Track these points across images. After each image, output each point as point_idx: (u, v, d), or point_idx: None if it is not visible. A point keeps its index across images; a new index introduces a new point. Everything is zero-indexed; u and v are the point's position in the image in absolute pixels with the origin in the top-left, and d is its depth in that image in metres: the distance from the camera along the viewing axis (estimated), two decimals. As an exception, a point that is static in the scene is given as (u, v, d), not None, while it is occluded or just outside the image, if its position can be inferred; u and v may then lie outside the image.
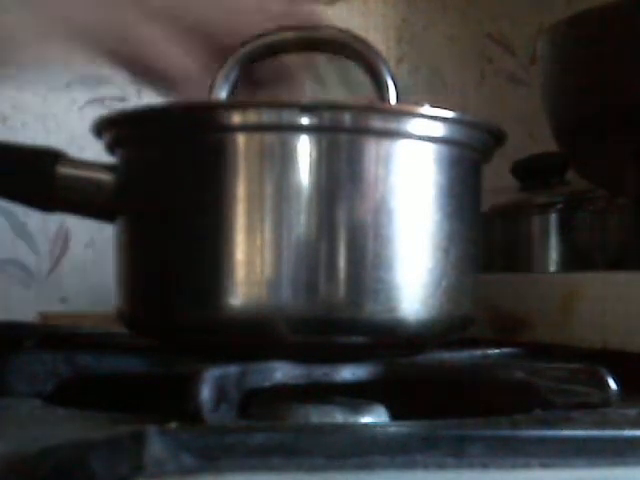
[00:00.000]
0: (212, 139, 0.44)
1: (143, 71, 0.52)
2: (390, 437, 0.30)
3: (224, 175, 0.43)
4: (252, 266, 0.42)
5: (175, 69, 0.52)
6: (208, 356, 0.42)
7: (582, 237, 0.81)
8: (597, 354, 0.51)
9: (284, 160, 0.43)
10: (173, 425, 0.30)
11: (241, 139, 0.43)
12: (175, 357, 0.45)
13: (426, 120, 0.44)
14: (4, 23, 0.50)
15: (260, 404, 0.40)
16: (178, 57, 0.51)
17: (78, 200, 0.48)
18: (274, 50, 0.51)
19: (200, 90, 0.50)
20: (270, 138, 0.43)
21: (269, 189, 0.43)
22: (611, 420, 0.38)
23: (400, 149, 0.44)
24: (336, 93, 0.56)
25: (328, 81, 0.55)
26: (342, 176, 0.43)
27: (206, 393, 0.35)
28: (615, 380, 0.41)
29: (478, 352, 0.51)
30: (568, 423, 0.37)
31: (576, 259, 0.82)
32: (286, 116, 0.43)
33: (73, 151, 0.49)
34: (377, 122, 0.43)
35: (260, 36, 0.50)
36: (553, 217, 0.84)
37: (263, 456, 0.29)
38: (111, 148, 0.49)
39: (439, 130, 0.45)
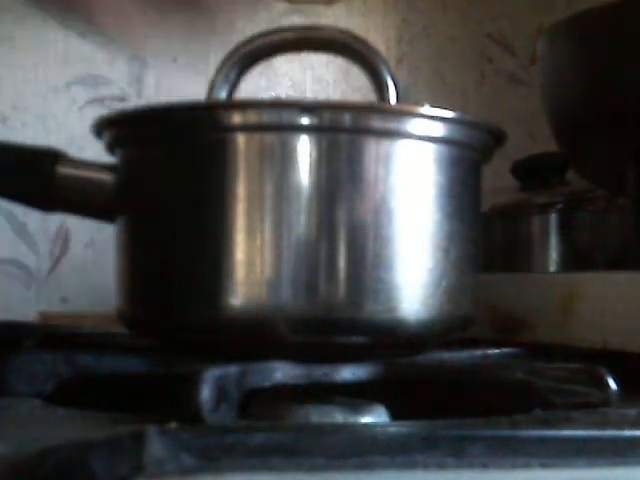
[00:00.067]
0: (212, 139, 0.44)
1: None
2: (390, 437, 0.30)
3: (224, 175, 0.43)
4: (252, 266, 0.42)
5: None
6: (208, 356, 0.42)
7: (582, 237, 0.81)
8: (597, 354, 0.51)
9: (284, 160, 0.43)
10: (173, 425, 0.30)
11: (241, 139, 0.43)
12: (175, 357, 0.45)
13: (426, 120, 0.44)
14: None
15: (260, 404, 0.40)
16: None
17: (78, 200, 0.48)
18: (274, 50, 0.51)
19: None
20: (270, 138, 0.43)
21: (269, 189, 0.43)
22: (611, 420, 0.38)
23: (400, 149, 0.44)
24: None
25: None
26: (342, 176, 0.43)
27: (206, 393, 0.35)
28: (615, 380, 0.41)
29: (478, 352, 0.51)
30: (568, 423, 0.37)
31: (576, 259, 0.82)
32: (286, 116, 0.43)
33: (73, 151, 0.49)
34: (377, 122, 0.43)
35: (260, 36, 0.50)
36: (553, 217, 0.83)
37: (263, 456, 0.29)
38: (111, 148, 0.49)
39: (439, 130, 0.45)
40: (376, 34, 1.02)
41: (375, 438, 0.30)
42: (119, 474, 0.27)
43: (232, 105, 0.46)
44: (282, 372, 0.41)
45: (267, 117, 0.43)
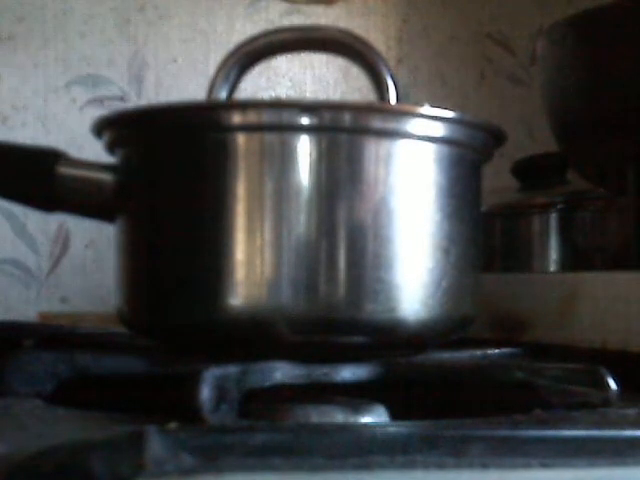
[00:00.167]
0: (212, 139, 0.44)
1: None
2: (390, 437, 0.30)
3: (224, 175, 0.43)
4: (252, 266, 0.42)
5: None
6: (208, 356, 0.42)
7: (582, 237, 0.81)
8: (597, 354, 0.51)
9: (284, 160, 0.43)
10: (173, 425, 0.30)
11: (241, 139, 0.43)
12: (175, 357, 0.45)
13: (426, 120, 0.44)
14: None
15: (260, 404, 0.40)
16: None
17: (78, 200, 0.48)
18: (274, 50, 0.51)
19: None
20: (270, 138, 0.43)
21: (269, 189, 0.43)
22: (611, 420, 0.38)
23: (400, 149, 0.44)
24: None
25: None
26: (342, 176, 0.43)
27: (206, 393, 0.35)
28: (615, 380, 0.41)
29: (478, 352, 0.51)
30: (568, 423, 0.37)
31: (576, 259, 0.82)
32: (286, 116, 0.43)
33: (73, 151, 0.49)
34: (377, 122, 0.43)
35: (260, 36, 0.50)
36: (553, 217, 0.83)
37: (263, 456, 0.29)
38: (111, 148, 0.49)
39: (439, 130, 0.45)
40: (376, 34, 1.02)
41: (375, 438, 0.30)
42: (119, 474, 0.27)
43: (232, 105, 0.46)
44: (282, 372, 0.41)
45: (267, 117, 0.43)
